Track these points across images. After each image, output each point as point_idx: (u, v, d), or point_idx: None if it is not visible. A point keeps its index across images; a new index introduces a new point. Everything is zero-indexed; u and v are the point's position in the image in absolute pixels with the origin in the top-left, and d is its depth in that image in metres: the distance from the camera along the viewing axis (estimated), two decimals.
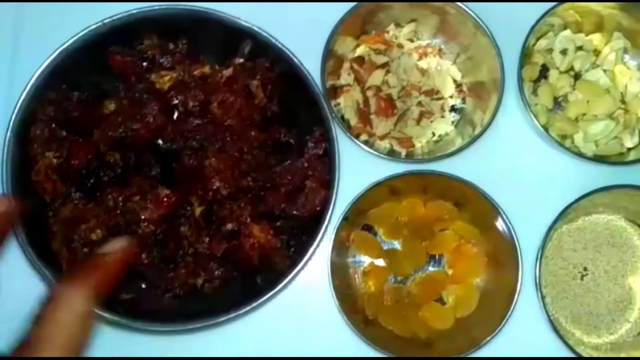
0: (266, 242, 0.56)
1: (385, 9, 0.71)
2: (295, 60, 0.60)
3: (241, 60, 0.64)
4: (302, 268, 0.56)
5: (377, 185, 0.65)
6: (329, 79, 0.70)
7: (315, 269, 0.64)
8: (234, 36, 0.62)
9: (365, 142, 0.70)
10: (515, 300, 0.63)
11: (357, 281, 0.68)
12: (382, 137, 0.71)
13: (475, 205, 0.67)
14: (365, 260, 0.69)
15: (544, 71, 0.73)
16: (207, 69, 0.61)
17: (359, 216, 0.69)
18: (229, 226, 0.57)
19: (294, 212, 0.58)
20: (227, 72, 0.61)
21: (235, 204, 0.58)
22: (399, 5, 0.70)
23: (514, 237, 0.64)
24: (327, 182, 0.59)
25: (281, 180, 0.60)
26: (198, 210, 0.58)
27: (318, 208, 0.58)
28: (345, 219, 0.64)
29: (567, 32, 0.72)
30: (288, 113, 0.64)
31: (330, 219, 0.58)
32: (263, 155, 0.60)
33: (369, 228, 0.70)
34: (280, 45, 0.60)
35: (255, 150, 0.60)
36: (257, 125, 0.62)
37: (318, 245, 0.57)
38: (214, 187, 0.58)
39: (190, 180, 0.58)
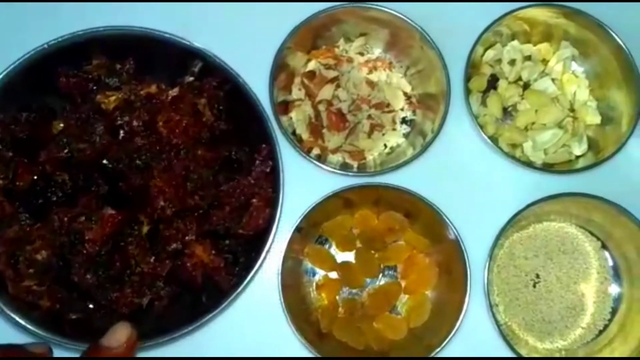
0: (209, 261, 0.57)
1: (335, 23, 0.72)
2: (240, 79, 0.61)
3: (190, 79, 0.64)
4: (246, 287, 0.57)
5: (330, 198, 0.66)
6: (281, 94, 0.71)
7: (267, 284, 0.64)
8: (181, 57, 0.63)
9: (318, 156, 0.71)
10: (464, 309, 0.64)
11: (311, 294, 0.69)
12: (334, 151, 0.71)
13: (426, 216, 0.67)
14: (320, 273, 0.70)
15: (493, 81, 0.74)
16: (153, 89, 0.62)
17: (313, 229, 0.69)
18: (174, 246, 0.57)
19: (239, 231, 0.59)
20: (173, 91, 0.62)
21: (181, 223, 0.58)
22: (350, 19, 0.71)
23: (462, 246, 0.65)
24: (273, 200, 0.59)
25: (228, 198, 0.60)
26: (144, 230, 0.58)
27: (262, 227, 0.58)
28: (299, 231, 0.65)
29: (515, 42, 0.74)
30: (238, 130, 0.64)
31: (275, 236, 0.59)
32: (210, 174, 0.61)
33: (324, 240, 0.71)
34: (224, 65, 0.61)
35: (202, 169, 0.60)
36: (206, 144, 0.62)
37: (262, 263, 0.58)
38: (159, 207, 0.58)
39: (137, 200, 0.59)
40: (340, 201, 0.68)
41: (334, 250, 0.70)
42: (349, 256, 0.70)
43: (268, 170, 0.61)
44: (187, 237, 0.58)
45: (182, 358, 0.64)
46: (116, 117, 0.59)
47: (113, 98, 0.60)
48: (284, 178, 0.60)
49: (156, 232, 0.59)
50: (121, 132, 0.59)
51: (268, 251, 0.58)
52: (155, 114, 0.60)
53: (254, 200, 0.60)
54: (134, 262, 0.58)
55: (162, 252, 0.58)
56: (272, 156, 0.61)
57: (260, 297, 0.65)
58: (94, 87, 0.61)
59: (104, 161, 0.59)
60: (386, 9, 0.69)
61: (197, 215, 0.59)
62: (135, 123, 0.59)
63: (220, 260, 0.58)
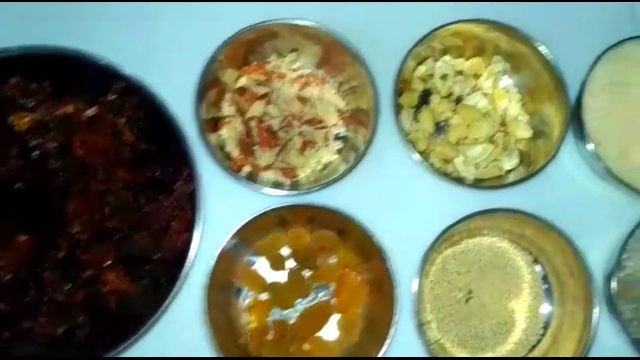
0: (125, 288, 0.55)
1: (267, 38, 0.71)
2: (157, 99, 0.59)
3: (112, 97, 0.63)
4: (165, 311, 0.55)
5: (261, 216, 0.65)
6: (211, 111, 0.70)
7: (193, 307, 0.62)
8: (101, 76, 0.61)
9: (249, 174, 0.70)
10: (393, 328, 0.63)
11: (242, 317, 0.68)
12: (266, 168, 0.70)
13: (357, 234, 0.67)
14: (251, 294, 0.68)
15: (427, 97, 0.73)
16: (70, 109, 0.60)
17: (245, 248, 0.68)
18: (89, 272, 0.56)
19: (158, 255, 0.57)
20: (90, 111, 0.60)
21: (98, 248, 0.57)
22: (281, 35, 0.70)
23: (389, 265, 0.64)
24: (192, 221, 0.58)
25: (148, 221, 0.59)
26: (60, 255, 0.57)
27: (181, 249, 0.57)
28: (229, 250, 0.64)
29: (447, 57, 0.73)
30: (161, 150, 0.63)
31: (196, 258, 0.57)
32: (130, 195, 0.59)
33: (254, 261, 0.69)
34: (143, 84, 0.60)
35: (121, 191, 0.59)
36: (127, 164, 0.61)
37: (181, 286, 0.56)
38: (75, 231, 0.56)
39: (52, 224, 0.57)
40: (273, 219, 0.67)
41: (267, 269, 0.69)
42: (282, 275, 0.69)
43: (190, 191, 0.60)
44: (104, 263, 0.57)
45: None
46: (29, 139, 0.57)
47: (27, 119, 0.58)
48: (206, 199, 0.59)
49: (72, 258, 0.57)
50: (34, 154, 0.57)
51: (187, 275, 0.56)
52: (71, 134, 0.59)
53: (174, 222, 0.58)
54: (49, 290, 0.56)
55: (78, 279, 0.56)
56: (193, 177, 0.59)
57: (186, 321, 0.63)
58: (8, 108, 0.59)
59: (18, 185, 0.57)
60: (317, 25, 0.68)
61: (116, 239, 0.58)
62: (49, 144, 0.57)
63: (136, 287, 0.56)
